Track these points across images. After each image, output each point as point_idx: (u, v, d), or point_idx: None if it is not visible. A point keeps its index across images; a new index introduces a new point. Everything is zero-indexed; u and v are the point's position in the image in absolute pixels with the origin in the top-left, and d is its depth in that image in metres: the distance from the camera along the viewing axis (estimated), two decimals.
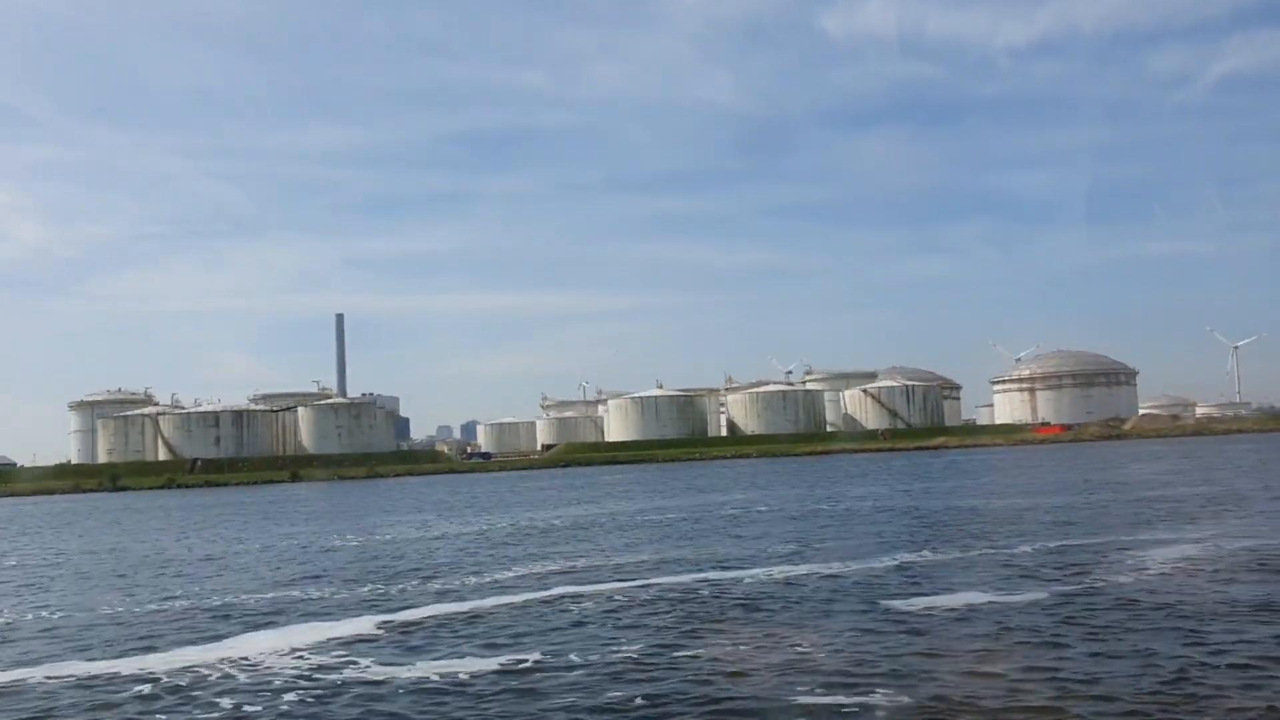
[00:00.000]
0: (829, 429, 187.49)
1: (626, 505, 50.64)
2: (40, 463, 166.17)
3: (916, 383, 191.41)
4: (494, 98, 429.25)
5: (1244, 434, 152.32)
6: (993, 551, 23.69)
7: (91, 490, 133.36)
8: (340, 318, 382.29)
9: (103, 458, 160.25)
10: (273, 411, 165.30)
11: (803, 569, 22.11)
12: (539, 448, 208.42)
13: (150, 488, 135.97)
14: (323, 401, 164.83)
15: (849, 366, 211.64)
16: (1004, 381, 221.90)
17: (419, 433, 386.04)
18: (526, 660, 14.04)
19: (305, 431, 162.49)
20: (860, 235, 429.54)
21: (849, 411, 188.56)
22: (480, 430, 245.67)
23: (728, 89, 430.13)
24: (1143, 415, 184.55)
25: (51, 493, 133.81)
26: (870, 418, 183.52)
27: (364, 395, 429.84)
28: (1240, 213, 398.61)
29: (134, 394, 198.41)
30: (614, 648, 14.55)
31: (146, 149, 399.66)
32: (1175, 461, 69.60)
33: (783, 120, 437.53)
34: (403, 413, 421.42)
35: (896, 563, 22.47)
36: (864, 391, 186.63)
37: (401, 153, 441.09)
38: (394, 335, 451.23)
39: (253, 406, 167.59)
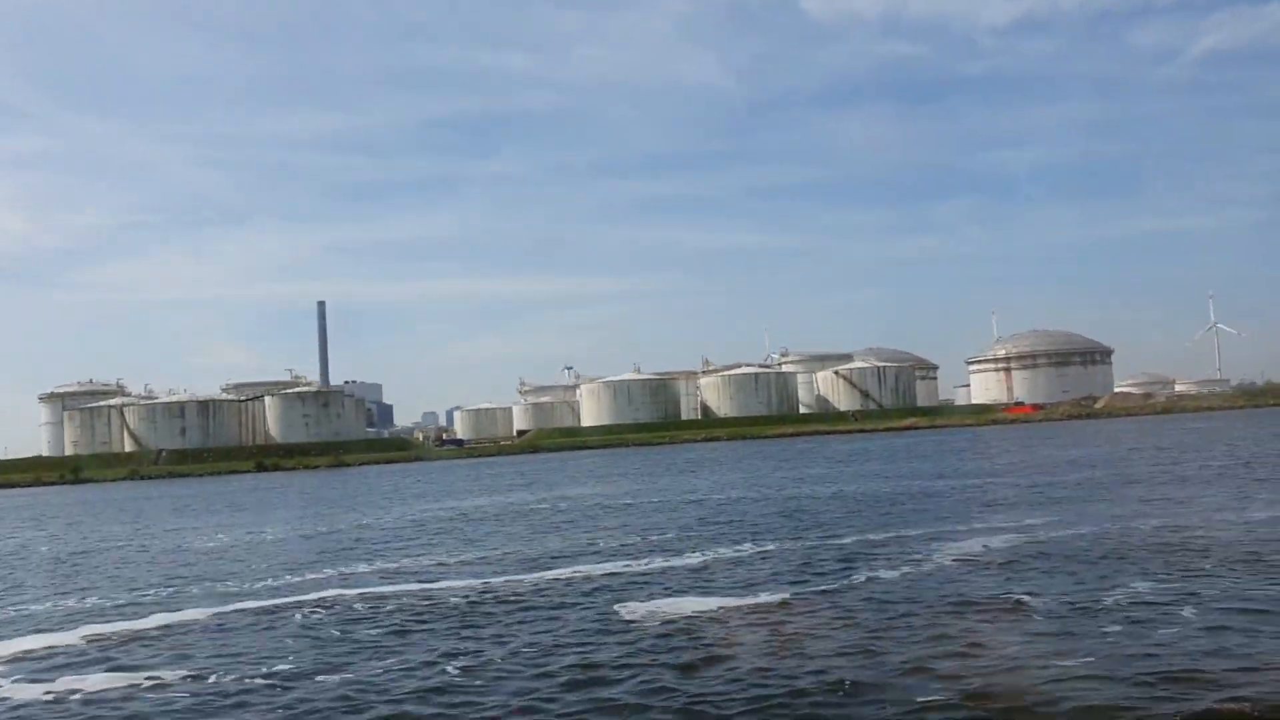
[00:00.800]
0: (803, 411, 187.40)
1: (525, 496, 49.91)
2: (12, 455, 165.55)
3: (889, 364, 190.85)
4: (478, 81, 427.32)
5: (1214, 411, 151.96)
6: (811, 544, 22.99)
7: (52, 483, 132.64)
8: (322, 305, 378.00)
9: (69, 450, 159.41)
10: (240, 401, 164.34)
11: (604, 567, 21.36)
12: (515, 434, 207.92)
13: (113, 479, 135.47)
14: (290, 390, 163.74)
15: (830, 348, 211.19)
16: (980, 361, 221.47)
17: (406, 419, 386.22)
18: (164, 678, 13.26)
19: (272, 421, 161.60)
20: (846, 215, 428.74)
21: (822, 393, 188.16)
22: (457, 417, 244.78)
23: (712, 70, 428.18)
24: (1115, 394, 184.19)
25: (13, 485, 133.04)
26: (842, 399, 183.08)
27: (346, 383, 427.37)
28: (1226, 188, 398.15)
29: (105, 385, 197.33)
30: (269, 663, 13.78)
31: (131, 137, 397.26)
32: (1100, 445, 68.80)
33: (767, 101, 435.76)
34: (386, 400, 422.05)
35: (701, 560, 21.76)
36: (836, 373, 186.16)
37: (386, 137, 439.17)
38: (380, 322, 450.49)
39: (221, 396, 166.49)
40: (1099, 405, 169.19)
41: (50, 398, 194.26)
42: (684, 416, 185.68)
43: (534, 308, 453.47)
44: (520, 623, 15.68)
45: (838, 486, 41.84)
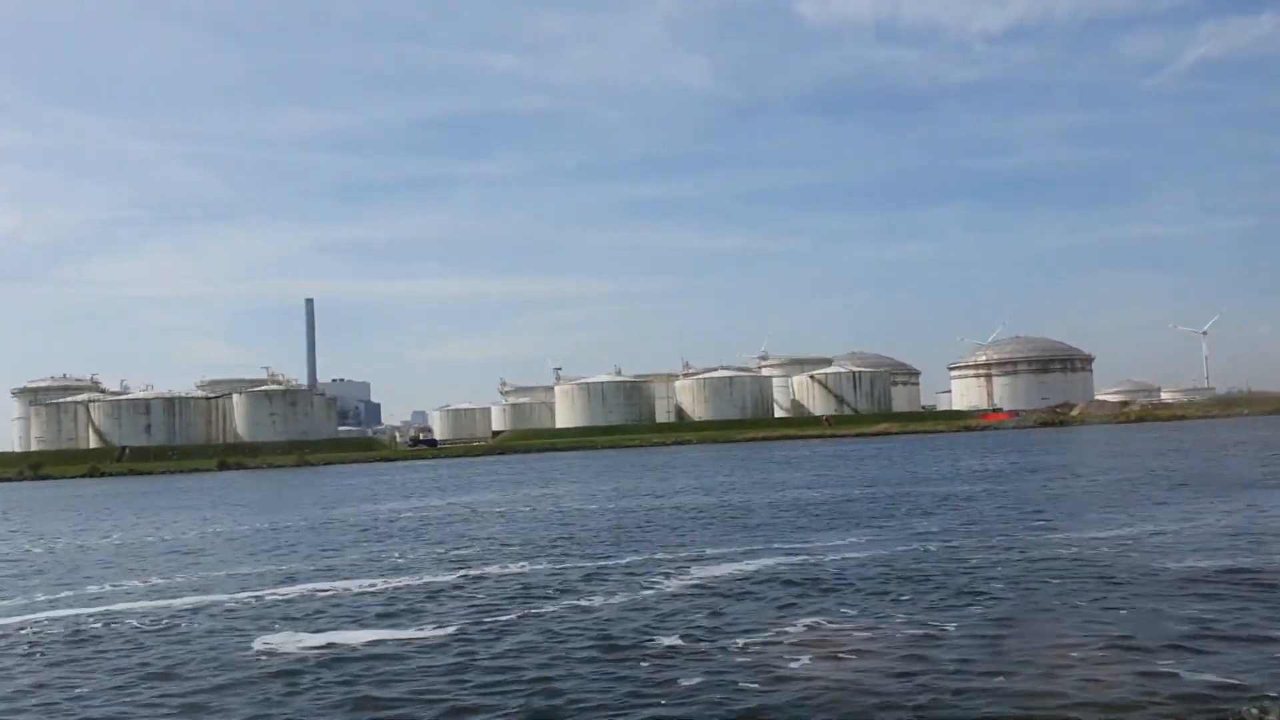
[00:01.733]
0: (780, 415, 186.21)
1: (437, 500, 48.92)
2: None
3: (866, 369, 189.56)
4: (467, 82, 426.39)
5: (1188, 419, 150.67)
6: (564, 566, 21.92)
7: (8, 479, 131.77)
8: (310, 303, 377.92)
9: (34, 445, 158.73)
10: (207, 399, 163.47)
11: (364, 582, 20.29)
12: (491, 434, 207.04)
13: (73, 476, 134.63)
14: (258, 389, 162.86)
15: (815, 352, 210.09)
16: (961, 367, 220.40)
17: (396, 419, 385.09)
18: None
19: (240, 419, 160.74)
20: (835, 220, 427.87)
21: (797, 398, 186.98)
22: (436, 417, 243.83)
23: (703, 73, 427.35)
24: (1090, 402, 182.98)
25: None
26: (818, 404, 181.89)
27: (334, 380, 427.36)
28: (1212, 197, 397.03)
29: (78, 380, 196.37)
30: None
31: (120, 134, 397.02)
32: (1029, 456, 67.72)
33: (759, 105, 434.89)
34: (375, 399, 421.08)
35: (457, 576, 20.69)
36: (811, 378, 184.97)
37: (375, 137, 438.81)
38: (371, 321, 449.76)
39: (191, 394, 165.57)
40: (1074, 413, 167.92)
41: (22, 393, 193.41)
42: (659, 419, 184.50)
43: (524, 308, 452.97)
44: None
45: (718, 497, 40.73)
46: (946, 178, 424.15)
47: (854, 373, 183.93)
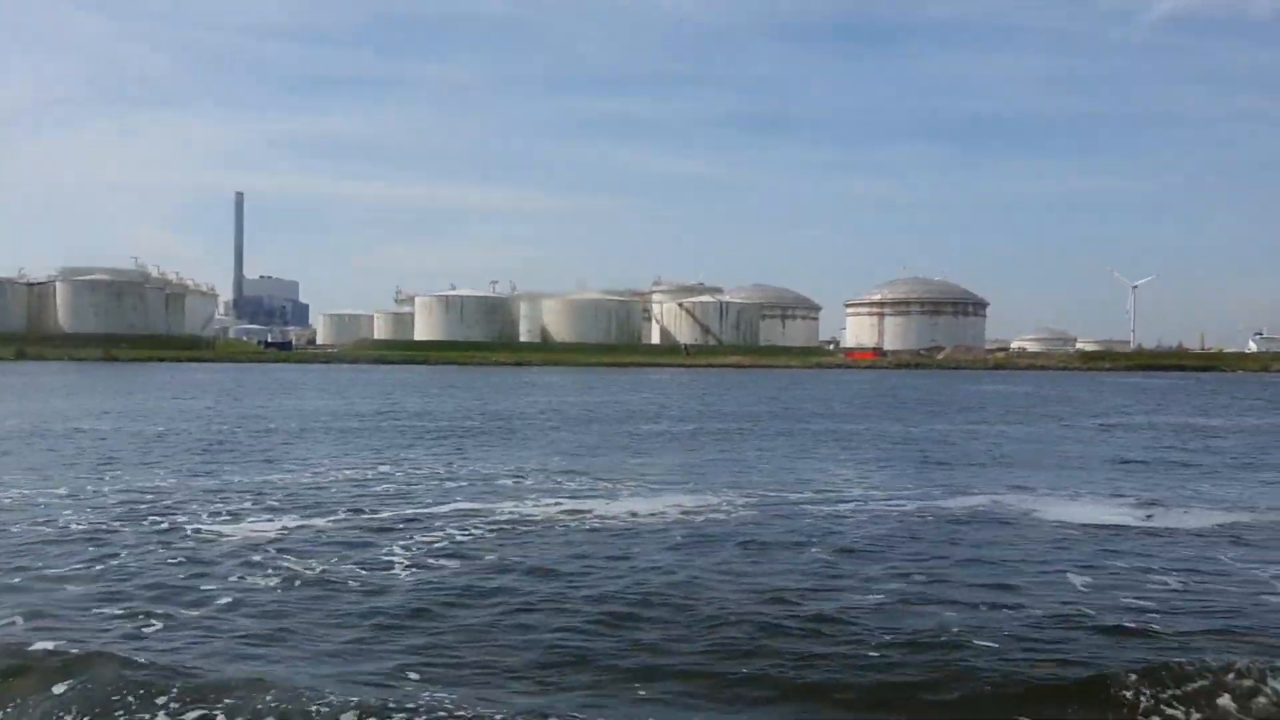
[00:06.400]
0: (653, 342, 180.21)
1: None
2: None
3: (736, 301, 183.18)
4: None
5: (1046, 370, 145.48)
6: None
7: None
8: (240, 196, 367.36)
9: None
10: (28, 285, 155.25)
11: None
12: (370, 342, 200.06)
13: None
14: (82, 277, 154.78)
15: (719, 281, 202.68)
16: (856, 305, 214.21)
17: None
18: None
19: (60, 307, 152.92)
20: (794, 151, 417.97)
21: (665, 325, 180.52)
22: (320, 321, 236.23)
23: None
24: (956, 346, 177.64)
25: None
26: (684, 332, 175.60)
27: (261, 278, 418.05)
28: (1169, 153, 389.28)
29: None
30: None
31: (62, 4, 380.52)
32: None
33: (728, 28, 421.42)
34: (304, 299, 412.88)
35: None
36: (680, 305, 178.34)
37: (335, 30, 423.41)
38: (314, 220, 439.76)
39: (3, 278, 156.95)
40: (940, 356, 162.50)
41: None
42: (522, 339, 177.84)
43: (470, 218, 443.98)
44: None
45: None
46: (910, 116, 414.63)
47: (720, 303, 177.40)
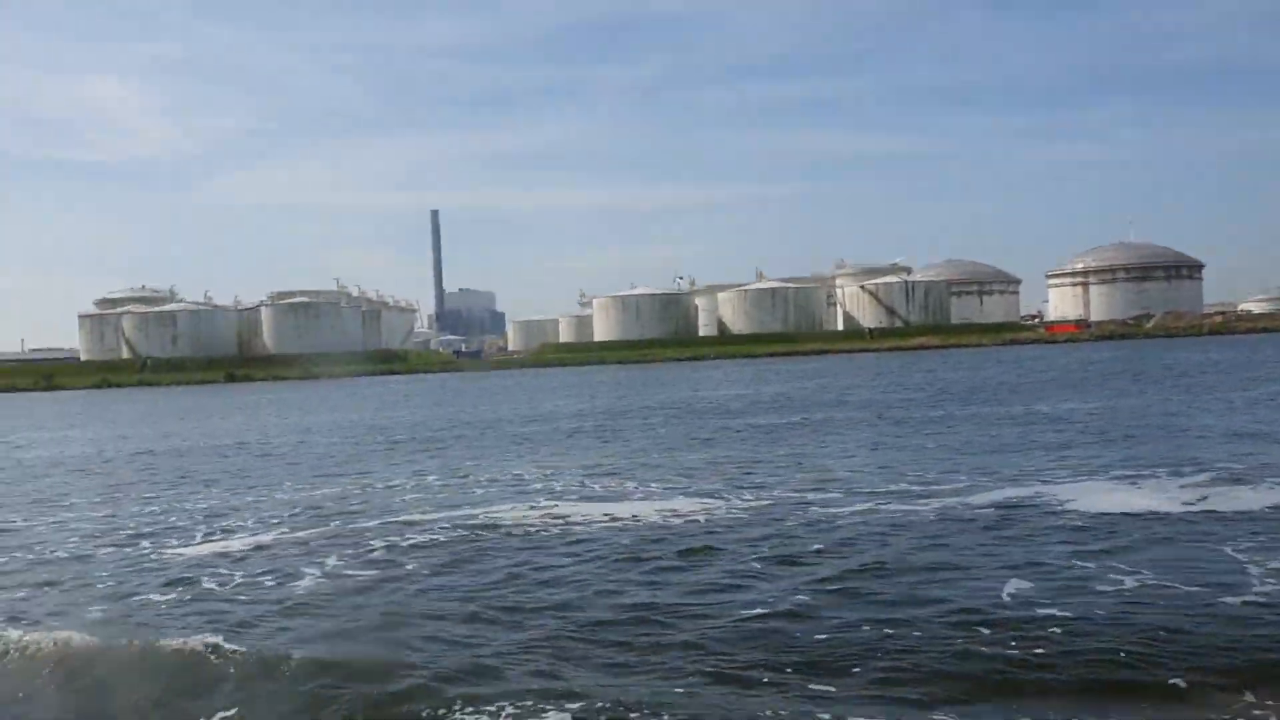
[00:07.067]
0: (839, 329, 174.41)
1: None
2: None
3: (923, 279, 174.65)
4: None
5: (1270, 331, 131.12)
6: None
7: (25, 389, 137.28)
8: (435, 214, 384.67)
9: (84, 357, 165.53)
10: (237, 311, 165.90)
11: None
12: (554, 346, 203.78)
13: (82, 387, 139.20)
14: (284, 300, 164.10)
15: (912, 259, 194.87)
16: (1058, 275, 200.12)
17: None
18: None
19: (265, 331, 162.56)
20: (989, 120, 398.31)
21: (849, 310, 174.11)
22: (510, 327, 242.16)
23: None
24: (1167, 313, 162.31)
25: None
26: (868, 315, 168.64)
27: (460, 290, 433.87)
28: None
29: (156, 291, 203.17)
30: None
31: (264, 46, 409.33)
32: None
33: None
34: (500, 308, 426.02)
35: None
36: (862, 288, 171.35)
37: (512, 45, 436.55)
38: (505, 231, 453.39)
39: (216, 305, 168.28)
40: (1149, 325, 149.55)
41: (102, 303, 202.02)
42: (701, 334, 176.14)
43: (660, 216, 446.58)
44: None
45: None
46: (1113, 73, 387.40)
47: (905, 283, 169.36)
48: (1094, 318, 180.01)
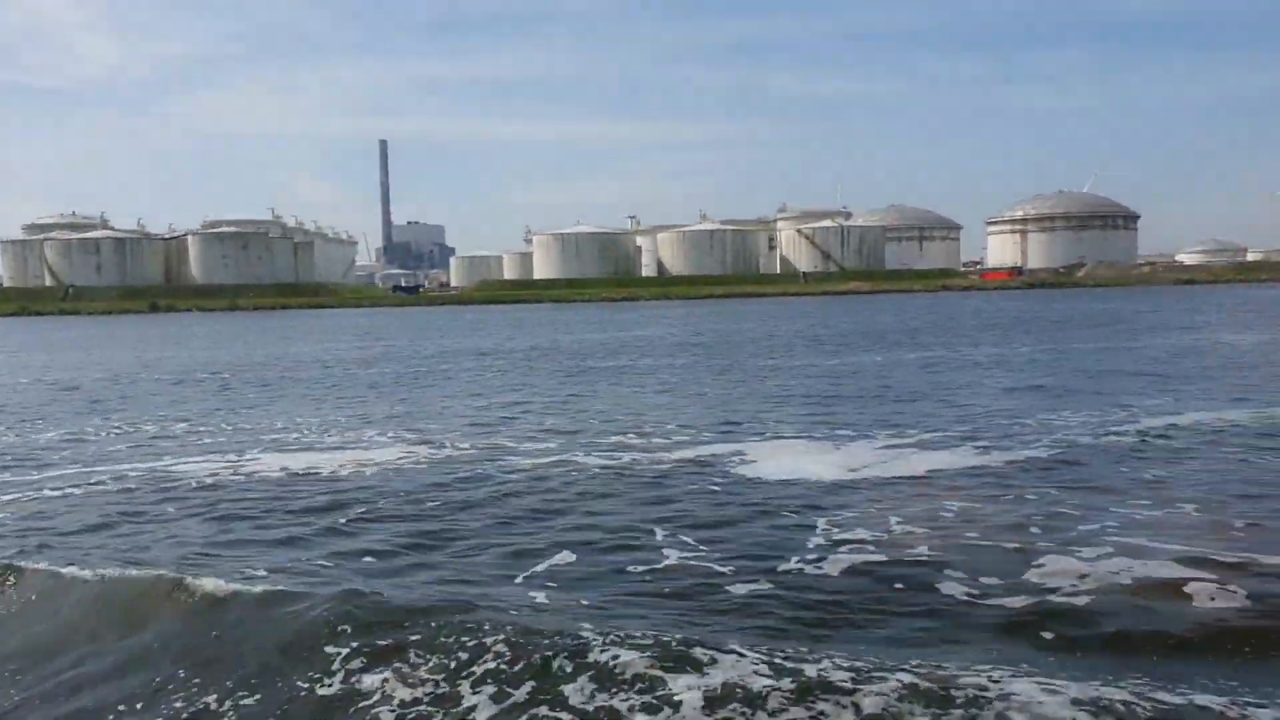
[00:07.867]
0: (776, 272, 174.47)
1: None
2: None
3: (858, 225, 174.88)
4: None
5: (1195, 284, 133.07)
6: None
7: None
8: (384, 144, 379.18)
9: (7, 284, 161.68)
10: (163, 239, 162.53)
11: None
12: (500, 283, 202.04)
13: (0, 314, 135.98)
14: (212, 229, 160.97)
15: (855, 205, 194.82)
16: (998, 223, 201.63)
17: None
18: None
19: (193, 261, 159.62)
20: (940, 65, 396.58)
21: (785, 253, 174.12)
22: (453, 263, 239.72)
23: None
24: (1099, 263, 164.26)
25: None
26: (804, 259, 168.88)
27: (409, 223, 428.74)
28: None
29: (87, 218, 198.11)
30: None
31: None
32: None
33: None
34: (450, 242, 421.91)
35: None
36: (798, 232, 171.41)
37: None
38: (455, 163, 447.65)
39: (143, 233, 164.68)
40: (1080, 274, 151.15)
41: (29, 228, 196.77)
42: (643, 274, 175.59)
43: (612, 154, 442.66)
44: None
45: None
46: (1066, 19, 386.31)
47: (842, 228, 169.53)
48: (1031, 265, 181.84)
